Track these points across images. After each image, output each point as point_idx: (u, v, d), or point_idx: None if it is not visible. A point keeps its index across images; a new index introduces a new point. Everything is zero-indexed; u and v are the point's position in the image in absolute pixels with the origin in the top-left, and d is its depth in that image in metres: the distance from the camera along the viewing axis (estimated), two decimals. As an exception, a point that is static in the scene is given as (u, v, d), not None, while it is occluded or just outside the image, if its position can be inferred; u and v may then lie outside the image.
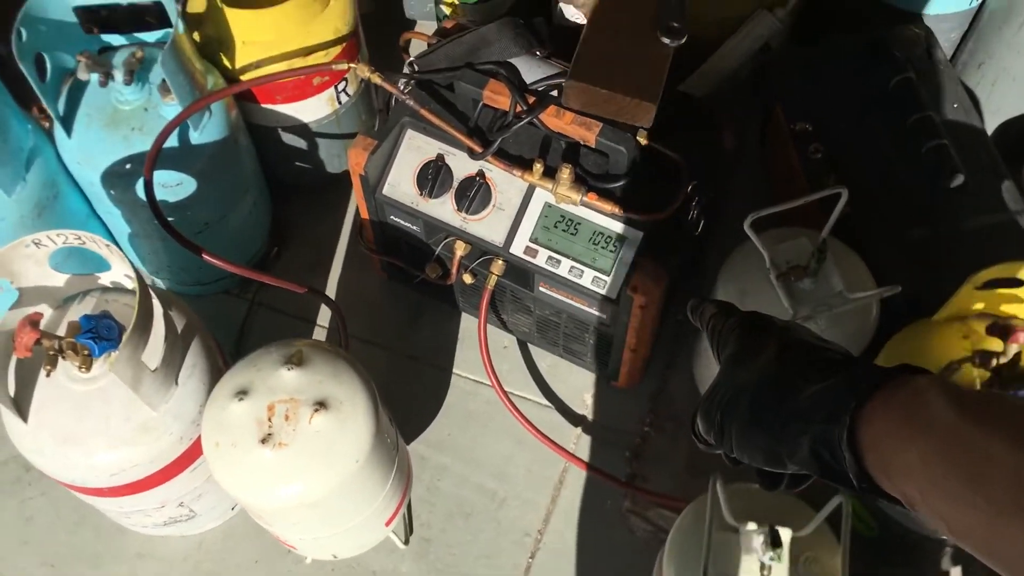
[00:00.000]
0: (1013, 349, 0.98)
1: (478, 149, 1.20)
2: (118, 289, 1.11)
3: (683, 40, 0.92)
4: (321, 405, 1.00)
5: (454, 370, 1.48)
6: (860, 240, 1.21)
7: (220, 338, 1.22)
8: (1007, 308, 1.04)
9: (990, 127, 1.48)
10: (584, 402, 1.45)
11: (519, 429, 1.38)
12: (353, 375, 1.04)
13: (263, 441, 0.98)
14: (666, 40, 0.91)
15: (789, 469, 0.57)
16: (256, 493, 1.00)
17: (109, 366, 0.97)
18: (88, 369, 1.00)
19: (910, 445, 0.48)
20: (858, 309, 1.11)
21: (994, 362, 0.99)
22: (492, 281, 1.27)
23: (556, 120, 1.16)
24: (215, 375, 1.12)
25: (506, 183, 1.23)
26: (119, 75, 1.21)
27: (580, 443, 1.42)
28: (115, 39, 1.30)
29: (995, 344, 1.00)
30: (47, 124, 1.39)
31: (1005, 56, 1.42)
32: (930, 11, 1.44)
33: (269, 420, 0.99)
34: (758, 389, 0.58)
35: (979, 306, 1.04)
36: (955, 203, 1.24)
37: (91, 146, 1.23)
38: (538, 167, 1.18)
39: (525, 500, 1.38)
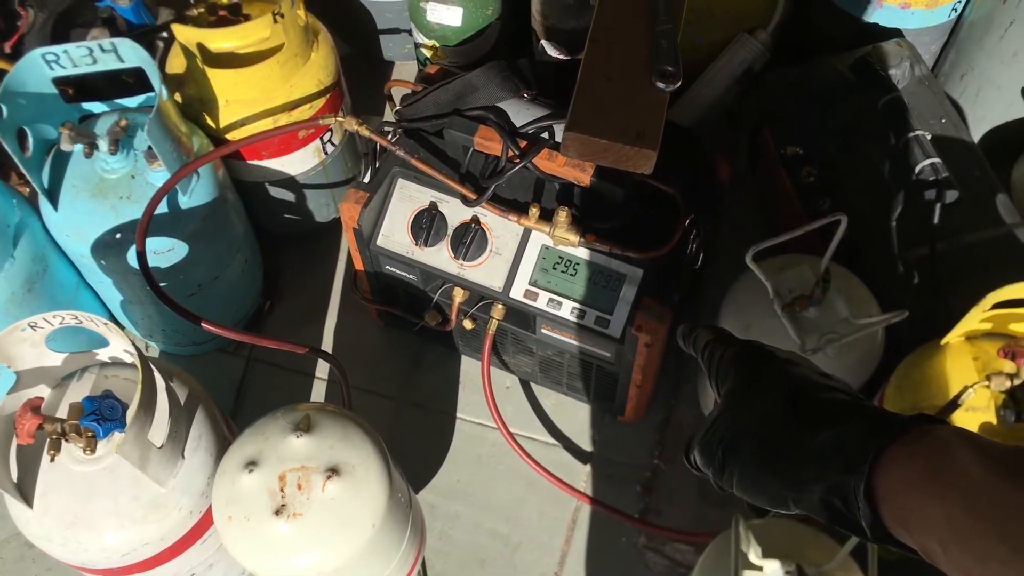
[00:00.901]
0: (1026, 369, 0.98)
1: (472, 196, 1.19)
2: (117, 364, 1.09)
3: (678, 84, 0.91)
4: (333, 471, 0.98)
5: (458, 415, 1.47)
6: (859, 263, 1.21)
7: (218, 398, 1.20)
8: (1016, 327, 1.03)
9: (975, 136, 1.48)
10: (591, 439, 1.44)
11: (528, 471, 1.37)
12: (363, 437, 1.03)
13: (277, 513, 0.96)
14: (660, 85, 0.91)
15: (792, 511, 0.56)
16: (273, 566, 0.98)
17: (115, 447, 0.95)
18: (93, 451, 0.98)
19: (933, 498, 0.47)
20: (865, 334, 1.11)
21: (1008, 384, 0.99)
22: (493, 326, 1.26)
23: (549, 163, 1.16)
24: (221, 444, 1.10)
25: (501, 228, 1.22)
26: (104, 144, 1.20)
27: (590, 481, 1.41)
28: (96, 106, 1.29)
29: (1007, 366, 1.00)
30: (27, 191, 1.38)
31: (988, 66, 1.43)
32: (910, 25, 1.45)
33: (281, 490, 0.97)
34: (765, 432, 0.57)
35: (988, 327, 1.04)
36: (951, 220, 1.24)
37: (79, 218, 1.21)
38: (534, 211, 1.17)
39: (539, 543, 1.37)
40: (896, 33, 1.45)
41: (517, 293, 1.22)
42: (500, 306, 1.24)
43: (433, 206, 1.24)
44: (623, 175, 1.12)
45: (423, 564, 1.33)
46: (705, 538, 1.27)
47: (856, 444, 0.51)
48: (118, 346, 1.05)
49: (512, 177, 1.18)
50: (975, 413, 1.02)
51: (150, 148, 1.19)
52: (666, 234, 1.16)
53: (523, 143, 1.17)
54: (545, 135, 1.18)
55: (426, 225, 1.23)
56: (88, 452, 0.99)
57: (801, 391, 0.57)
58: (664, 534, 1.34)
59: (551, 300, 1.21)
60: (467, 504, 1.39)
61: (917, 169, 1.23)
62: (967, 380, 1.02)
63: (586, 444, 1.43)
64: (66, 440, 0.99)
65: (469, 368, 1.49)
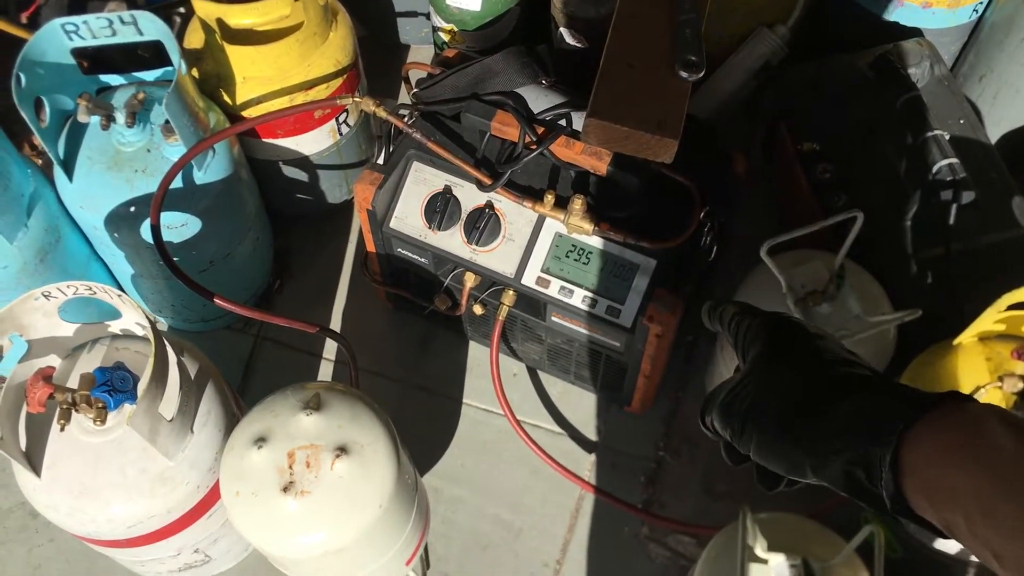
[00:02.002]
0: (1038, 372, 0.98)
1: (487, 181, 1.19)
2: (128, 336, 1.09)
3: (701, 74, 0.91)
4: (342, 450, 0.98)
5: (464, 400, 1.47)
6: (872, 260, 1.21)
7: (225, 375, 1.20)
8: (1029, 329, 1.03)
9: (992, 138, 1.48)
10: (597, 428, 1.44)
11: (533, 458, 1.37)
12: (372, 417, 1.03)
13: (285, 490, 0.96)
14: (684, 74, 0.91)
15: (809, 479, 0.56)
16: (280, 543, 0.98)
17: (126, 419, 0.95)
18: (103, 422, 0.98)
19: (961, 471, 0.47)
20: (877, 332, 1.11)
21: (1020, 385, 0.98)
22: (503, 312, 1.26)
23: (566, 150, 1.16)
24: (230, 420, 1.11)
25: (516, 214, 1.22)
26: (121, 117, 1.19)
27: (595, 470, 1.41)
28: (113, 79, 1.28)
29: (1020, 367, 1.00)
30: (39, 161, 1.38)
31: (1007, 68, 1.42)
32: (930, 25, 1.44)
33: (290, 468, 0.97)
34: (791, 398, 0.57)
35: (1001, 328, 1.04)
36: (967, 221, 1.23)
37: (93, 190, 1.21)
38: (549, 198, 1.17)
39: (542, 530, 1.37)
40: (916, 32, 1.45)
41: (529, 280, 1.22)
42: (511, 292, 1.24)
43: (447, 190, 1.24)
44: (640, 164, 1.12)
45: (426, 548, 1.33)
46: (708, 531, 1.28)
47: (885, 415, 0.51)
48: (130, 318, 1.06)
49: (528, 163, 1.18)
50: (985, 414, 1.02)
51: (167, 122, 1.19)
52: (681, 225, 1.16)
53: (540, 129, 1.17)
54: (563, 122, 1.18)
55: (440, 209, 1.23)
56: (98, 423, 0.99)
57: (829, 363, 0.58)
58: (667, 525, 1.35)
59: (563, 288, 1.21)
60: (471, 489, 1.40)
61: (934, 169, 1.23)
62: (979, 381, 1.02)
63: (591, 433, 1.43)
64: (76, 410, 0.99)
65: (476, 354, 1.49)
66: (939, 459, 0.48)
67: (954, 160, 1.22)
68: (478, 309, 1.32)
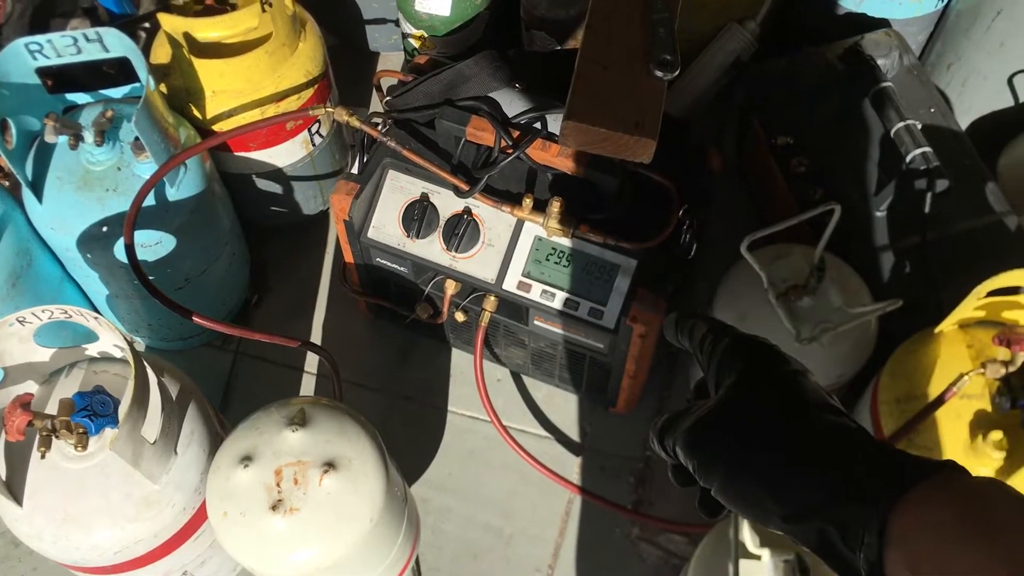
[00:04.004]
0: (1020, 357, 0.98)
1: (464, 187, 1.18)
2: (106, 359, 1.07)
3: (676, 73, 0.91)
4: (330, 466, 0.97)
5: (449, 408, 1.46)
6: (850, 252, 1.21)
7: (206, 393, 1.18)
8: (1009, 315, 1.04)
9: (963, 125, 1.49)
10: (583, 431, 1.43)
11: (520, 463, 1.36)
12: (359, 430, 1.02)
13: (273, 508, 0.95)
14: (659, 73, 0.90)
15: (773, 527, 0.52)
16: (270, 562, 0.97)
17: (108, 444, 0.93)
18: (85, 448, 0.97)
19: (960, 545, 0.44)
20: (858, 324, 1.11)
21: (1003, 371, 0.99)
22: (486, 318, 1.25)
23: (542, 153, 1.15)
24: (214, 440, 1.09)
25: (494, 219, 1.21)
26: (89, 136, 1.17)
27: (583, 473, 1.40)
28: (80, 97, 1.27)
29: (1002, 353, 1.00)
30: (7, 183, 1.35)
31: (974, 56, 1.44)
32: (897, 15, 1.45)
33: (278, 485, 0.96)
34: (770, 444, 0.53)
35: (981, 315, 1.05)
36: (942, 209, 1.24)
37: (64, 211, 1.19)
38: (527, 202, 1.16)
39: (533, 535, 1.36)
40: (884, 23, 1.45)
41: (510, 285, 1.21)
42: (493, 298, 1.24)
43: (425, 197, 1.23)
44: (617, 165, 1.12)
45: (417, 559, 1.32)
46: (699, 529, 1.28)
47: (876, 479, 0.48)
48: (108, 341, 1.04)
49: (505, 168, 1.17)
50: (970, 400, 1.02)
51: (137, 139, 1.17)
52: (660, 225, 1.15)
53: (516, 133, 1.16)
54: (538, 125, 1.17)
55: (417, 217, 1.22)
56: (80, 449, 0.97)
57: (814, 407, 0.54)
58: (658, 525, 1.34)
59: (544, 291, 1.20)
60: (459, 497, 1.39)
61: (908, 159, 1.23)
62: (962, 368, 1.02)
63: (578, 436, 1.43)
64: (57, 437, 0.97)
65: (459, 361, 1.49)
66: (934, 531, 0.45)
67: (927, 149, 1.23)
68: (460, 316, 1.31)
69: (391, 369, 1.49)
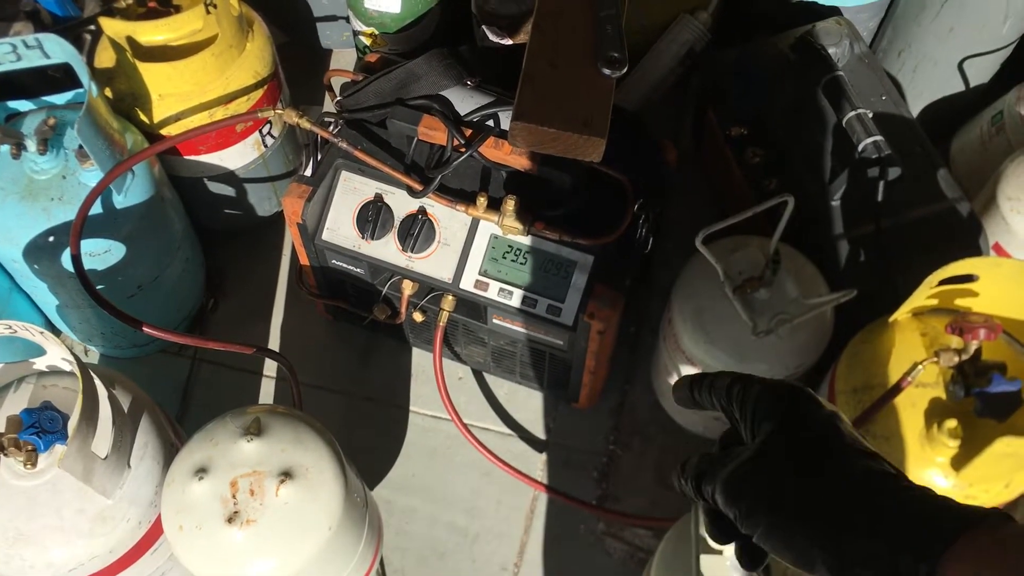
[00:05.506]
0: (973, 345, 0.99)
1: (418, 187, 1.17)
2: (55, 372, 1.05)
3: (624, 70, 0.90)
4: (286, 475, 0.96)
5: (411, 408, 1.45)
6: (806, 242, 1.21)
7: (163, 401, 1.16)
8: (961, 302, 1.05)
9: (914, 111, 1.50)
10: (546, 427, 1.43)
11: (484, 462, 1.36)
12: (315, 438, 1.01)
13: (230, 520, 0.94)
14: (607, 71, 0.90)
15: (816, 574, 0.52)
16: (228, 574, 0.96)
17: (57, 461, 0.91)
18: (34, 466, 0.95)
19: None
20: (815, 314, 1.11)
21: (956, 359, 1.00)
22: (444, 318, 1.25)
23: (495, 151, 1.14)
24: (168, 451, 1.07)
25: (449, 218, 1.20)
26: (32, 144, 1.15)
27: (547, 469, 1.40)
28: (22, 104, 1.24)
29: (955, 341, 1.01)
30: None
31: (925, 42, 1.44)
32: (848, 3, 1.45)
33: (234, 497, 0.95)
34: (816, 492, 0.53)
35: (934, 303, 1.05)
36: (895, 196, 1.25)
37: (9, 222, 1.16)
38: (482, 200, 1.15)
39: (498, 533, 1.36)
40: (834, 11, 1.46)
41: (467, 284, 1.20)
42: (450, 297, 1.23)
43: (379, 198, 1.21)
44: (570, 161, 1.11)
45: (381, 562, 1.31)
46: (663, 522, 1.28)
47: (927, 527, 0.49)
48: (56, 354, 1.02)
49: (458, 166, 1.16)
50: (925, 389, 1.03)
51: (81, 147, 1.15)
52: (615, 220, 1.15)
53: (468, 132, 1.15)
54: (490, 123, 1.16)
55: (372, 218, 1.21)
56: (29, 466, 0.95)
57: (856, 454, 0.54)
58: (622, 520, 1.35)
59: (502, 290, 1.19)
60: (423, 498, 1.38)
61: (860, 147, 1.24)
62: (916, 356, 1.03)
63: (541, 432, 1.43)
64: (4, 455, 0.95)
65: (420, 360, 1.48)
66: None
67: (879, 137, 1.23)
68: (418, 316, 1.30)
69: (352, 371, 1.47)
